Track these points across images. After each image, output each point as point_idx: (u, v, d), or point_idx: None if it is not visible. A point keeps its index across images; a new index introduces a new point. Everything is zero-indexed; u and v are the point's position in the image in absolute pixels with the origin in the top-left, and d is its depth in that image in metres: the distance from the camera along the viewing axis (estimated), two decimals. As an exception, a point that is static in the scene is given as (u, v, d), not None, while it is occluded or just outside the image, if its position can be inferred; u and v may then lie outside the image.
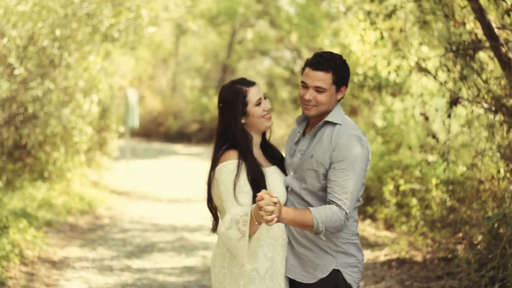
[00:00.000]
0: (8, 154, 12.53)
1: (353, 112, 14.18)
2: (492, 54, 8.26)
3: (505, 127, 8.18)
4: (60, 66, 12.57)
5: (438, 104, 10.77)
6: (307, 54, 27.08)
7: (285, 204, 4.51)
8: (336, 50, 14.10)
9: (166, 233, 12.00)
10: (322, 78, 4.39)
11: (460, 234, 9.34)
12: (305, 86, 4.45)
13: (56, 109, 12.58)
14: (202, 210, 13.47)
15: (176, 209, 14.81)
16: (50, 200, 12.49)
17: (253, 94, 4.54)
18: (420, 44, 9.73)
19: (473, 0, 7.79)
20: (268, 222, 3.99)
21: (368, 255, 9.98)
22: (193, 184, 18.10)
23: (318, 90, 4.40)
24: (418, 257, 9.42)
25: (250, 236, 4.18)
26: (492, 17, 7.97)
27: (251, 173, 4.42)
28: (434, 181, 10.29)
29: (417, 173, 11.31)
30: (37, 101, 12.09)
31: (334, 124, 4.45)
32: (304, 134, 4.63)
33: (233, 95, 4.54)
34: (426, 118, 10.09)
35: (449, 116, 9.03)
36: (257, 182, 4.41)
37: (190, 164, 23.63)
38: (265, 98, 4.59)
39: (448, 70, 8.88)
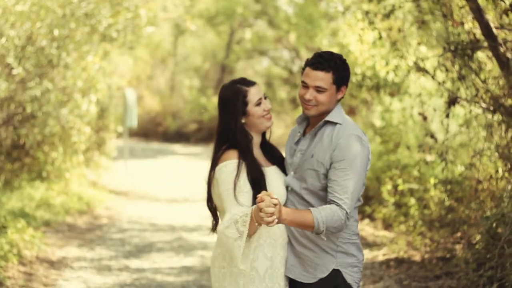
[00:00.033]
0: (6, 154, 12.52)
1: (351, 112, 14.18)
2: (490, 54, 8.27)
3: (503, 126, 8.19)
4: (58, 66, 12.56)
5: (437, 104, 10.77)
6: (306, 54, 27.08)
7: (285, 204, 4.51)
8: (335, 50, 14.08)
9: (165, 233, 12.00)
10: (322, 78, 4.39)
11: (459, 234, 9.34)
12: (305, 86, 4.45)
13: (54, 109, 12.57)
14: (200, 210, 13.48)
15: (174, 209, 14.81)
16: (49, 200, 12.48)
17: (253, 94, 4.54)
18: (419, 44, 9.73)
19: (472, 0, 7.79)
20: (268, 223, 3.99)
21: (367, 254, 9.98)
22: (191, 184, 18.09)
23: (318, 90, 4.40)
24: (417, 257, 9.42)
25: (249, 236, 4.18)
26: (491, 17, 7.97)
27: (251, 173, 4.42)
28: (432, 180, 10.30)
29: (415, 172, 11.31)
30: (36, 101, 12.08)
31: (335, 123, 4.45)
32: (304, 134, 4.63)
33: (233, 95, 4.53)
34: (425, 118, 10.09)
35: (447, 116, 9.03)
36: (257, 182, 4.41)
37: (189, 164, 23.63)
38: (265, 98, 4.59)
39: (447, 70, 8.88)
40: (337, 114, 4.48)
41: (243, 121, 4.54)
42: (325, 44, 20.79)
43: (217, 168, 4.47)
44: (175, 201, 15.99)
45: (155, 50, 33.37)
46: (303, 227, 4.24)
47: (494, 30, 7.85)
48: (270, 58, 32.00)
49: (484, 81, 8.37)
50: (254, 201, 4.31)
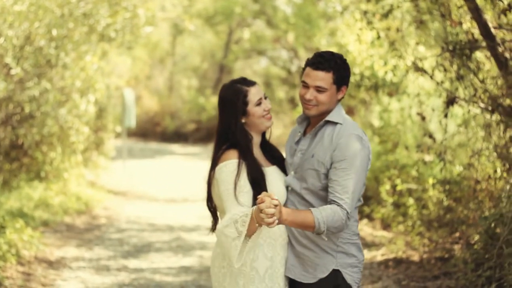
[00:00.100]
0: (4, 154, 12.51)
1: (349, 112, 14.18)
2: (488, 53, 8.27)
3: (501, 126, 8.19)
4: (56, 66, 12.55)
5: (435, 104, 10.78)
6: (304, 54, 27.09)
7: (286, 204, 4.51)
8: (333, 50, 14.09)
9: (163, 233, 11.99)
10: (323, 78, 4.39)
11: (457, 234, 9.34)
12: (305, 85, 4.45)
13: (52, 109, 12.56)
14: (199, 210, 13.49)
15: (173, 209, 14.80)
16: (47, 200, 12.48)
17: (253, 94, 4.54)
18: (417, 43, 9.73)
19: (470, 0, 7.79)
20: (269, 224, 3.99)
21: (365, 254, 9.98)
22: (190, 184, 18.09)
23: (319, 89, 4.40)
24: (415, 257, 9.42)
25: (249, 237, 4.17)
26: (489, 16, 7.98)
27: (251, 173, 4.41)
28: (430, 180, 10.30)
29: (414, 172, 11.32)
30: (34, 101, 12.07)
31: (335, 123, 4.45)
32: (304, 133, 4.63)
33: (233, 95, 4.53)
34: (423, 118, 10.09)
35: (445, 116, 9.04)
36: (257, 182, 4.41)
37: (187, 164, 23.62)
38: (265, 98, 4.59)
39: (445, 70, 8.88)
40: (338, 114, 4.48)
41: (243, 121, 4.54)
42: (324, 44, 20.80)
43: (217, 168, 4.47)
44: (173, 201, 15.98)
45: (154, 50, 33.35)
46: (303, 228, 4.24)
47: (493, 30, 7.86)
48: (268, 58, 31.99)
49: (482, 81, 8.37)
50: (254, 201, 4.31)
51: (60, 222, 11.96)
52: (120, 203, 15.31)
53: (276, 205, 3.99)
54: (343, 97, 4.54)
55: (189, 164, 23.33)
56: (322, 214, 4.18)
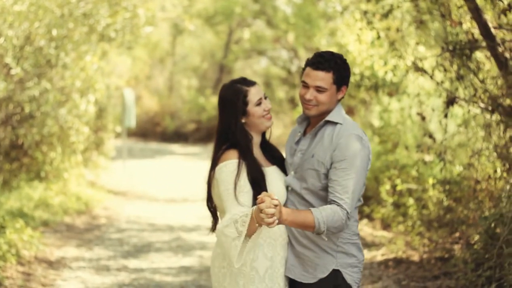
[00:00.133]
0: (4, 154, 12.51)
1: (349, 112, 14.18)
2: (488, 53, 8.27)
3: (501, 126, 8.19)
4: (56, 66, 12.55)
5: (435, 104, 10.78)
6: (304, 54, 27.09)
7: (286, 204, 4.51)
8: (333, 50, 14.10)
9: (163, 233, 11.99)
10: (323, 78, 4.40)
11: (457, 234, 9.34)
12: (305, 85, 4.45)
13: (52, 109, 12.56)
14: (199, 210, 13.49)
15: (173, 209, 14.80)
16: (47, 200, 12.48)
17: (253, 94, 4.54)
18: (417, 43, 9.73)
19: (470, 0, 7.79)
20: (269, 224, 3.99)
21: (365, 254, 9.97)
22: (190, 184, 18.09)
23: (319, 89, 4.40)
24: (415, 257, 9.42)
25: (249, 236, 4.17)
26: (489, 16, 7.98)
27: (251, 172, 4.41)
28: (430, 181, 10.30)
29: (413, 173, 11.32)
30: (34, 101, 12.07)
31: (335, 123, 4.45)
32: (304, 133, 4.63)
33: (233, 95, 4.53)
34: (423, 118, 10.09)
35: (445, 116, 9.04)
36: (257, 182, 4.41)
37: (187, 164, 23.62)
38: (265, 98, 4.59)
39: (445, 70, 8.88)
40: (338, 114, 4.48)
41: (243, 121, 4.54)
42: (324, 44, 20.79)
43: (217, 168, 4.47)
44: (173, 201, 15.98)
45: (154, 50, 33.35)
46: (304, 228, 4.24)
47: (493, 30, 7.86)
48: (268, 58, 31.99)
49: (482, 81, 8.37)
50: (254, 201, 4.31)
51: (60, 222, 11.96)
52: (120, 203, 15.31)
53: (276, 205, 3.99)
54: (343, 97, 4.54)
55: (189, 164, 23.33)
56: (322, 214, 4.18)
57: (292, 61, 29.95)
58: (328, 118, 4.46)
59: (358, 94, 13.95)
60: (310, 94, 4.42)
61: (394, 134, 12.48)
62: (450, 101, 8.88)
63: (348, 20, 12.93)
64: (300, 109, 18.49)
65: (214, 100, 30.18)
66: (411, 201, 10.78)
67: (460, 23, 8.35)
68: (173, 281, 8.87)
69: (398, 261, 9.41)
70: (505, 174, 8.15)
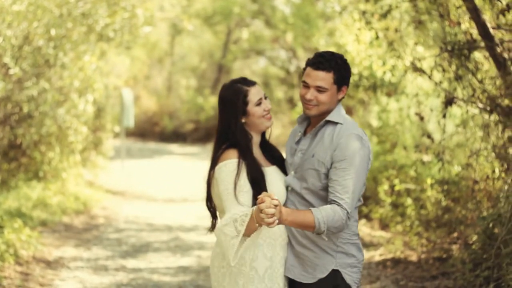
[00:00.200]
0: (3, 153, 12.51)
1: (348, 112, 14.18)
2: (487, 54, 8.28)
3: (500, 127, 8.19)
4: (55, 66, 12.55)
5: (433, 104, 10.78)
6: (303, 54, 27.09)
7: (286, 204, 4.51)
8: (332, 50, 14.10)
9: (161, 233, 11.99)
10: (323, 78, 4.40)
11: (455, 234, 9.34)
12: (306, 85, 4.46)
13: (51, 109, 12.56)
14: (197, 210, 13.50)
15: (171, 209, 14.80)
16: (45, 200, 12.47)
17: (253, 94, 4.54)
18: (415, 44, 9.74)
19: (468, 0, 7.79)
20: (269, 224, 3.99)
21: (363, 254, 9.97)
22: (188, 184, 18.09)
23: (319, 89, 4.41)
24: (413, 257, 9.42)
25: (247, 236, 4.17)
26: (487, 17, 7.98)
27: (251, 172, 4.42)
28: (429, 181, 10.30)
29: (412, 173, 11.32)
30: (32, 101, 12.07)
31: (335, 123, 4.45)
32: (305, 133, 4.63)
33: (233, 95, 4.53)
34: (421, 118, 10.09)
35: (444, 116, 9.04)
36: (257, 182, 4.41)
37: (185, 164, 23.62)
38: (265, 98, 4.59)
39: (443, 70, 8.88)
40: (338, 114, 4.49)
41: (243, 120, 4.54)
42: (322, 44, 20.80)
43: (217, 168, 4.47)
44: (172, 201, 15.98)
45: (152, 50, 33.35)
46: (304, 228, 4.24)
47: (491, 30, 7.86)
48: (267, 58, 31.99)
49: (481, 81, 8.38)
50: (254, 201, 4.31)
51: (58, 222, 11.95)
52: (119, 203, 15.30)
53: (276, 205, 3.99)
54: (343, 97, 4.55)
55: (188, 164, 23.33)
56: (322, 214, 4.18)
57: (291, 61, 29.95)
58: (328, 118, 4.46)
59: (357, 94, 13.96)
60: (311, 94, 4.42)
61: (393, 134, 12.48)
62: (449, 101, 8.88)
63: (347, 20, 12.94)
64: (298, 109, 18.52)
65: (212, 100, 30.19)
66: (409, 201, 10.79)
67: (459, 23, 8.36)
68: (171, 281, 8.87)
69: (396, 261, 9.41)
70: (503, 174, 8.16)
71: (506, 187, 7.67)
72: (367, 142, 4.41)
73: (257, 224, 4.09)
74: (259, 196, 4.01)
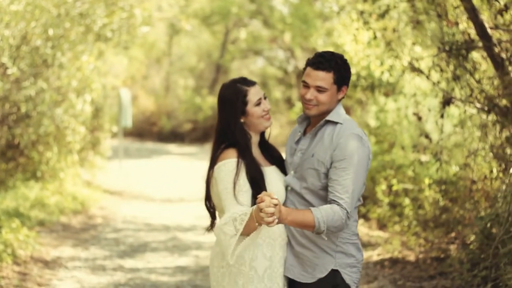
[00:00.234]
0: (0, 153, 12.51)
1: (346, 112, 14.13)
2: (485, 54, 8.28)
3: (497, 127, 8.20)
4: (53, 66, 12.55)
5: (431, 104, 10.79)
6: (301, 54, 27.10)
7: (285, 204, 4.50)
8: (330, 50, 14.09)
9: (159, 233, 11.99)
10: (323, 78, 4.40)
11: (453, 234, 9.35)
12: (306, 85, 4.45)
13: (49, 109, 12.55)
14: (195, 210, 13.50)
15: (169, 209, 14.80)
16: (43, 200, 12.47)
17: (253, 94, 4.54)
18: (413, 44, 9.74)
19: (466, 0, 7.80)
20: (268, 223, 3.99)
21: (361, 254, 9.97)
22: (186, 184, 18.09)
23: (319, 89, 4.41)
24: (411, 257, 9.43)
25: (247, 235, 4.17)
26: (485, 17, 7.99)
27: (250, 172, 4.41)
28: (427, 181, 10.31)
29: (410, 173, 11.33)
30: (30, 101, 12.06)
31: (335, 123, 4.45)
32: (305, 133, 4.63)
33: (233, 94, 4.53)
34: (419, 118, 10.10)
35: (442, 116, 9.05)
36: (256, 181, 4.40)
37: (183, 164, 23.62)
38: (265, 98, 4.59)
39: (441, 70, 8.89)
40: (338, 114, 4.49)
41: (242, 120, 4.54)
42: (320, 44, 20.81)
43: (216, 167, 4.47)
44: (169, 201, 15.98)
45: (150, 50, 33.32)
46: (303, 227, 4.24)
47: (489, 30, 7.87)
48: (265, 58, 32.00)
49: (478, 81, 8.38)
50: (253, 201, 4.31)
51: (56, 222, 11.95)
52: (116, 203, 15.30)
53: (275, 204, 3.99)
54: (343, 97, 4.55)
55: (186, 164, 23.33)
56: (322, 214, 4.18)
57: (289, 61, 29.96)
58: (328, 118, 4.46)
59: (355, 94, 13.96)
60: (311, 94, 4.42)
61: (391, 134, 12.49)
62: (447, 101, 8.88)
63: (345, 20, 12.93)
64: (296, 109, 18.52)
65: (210, 100, 30.19)
66: (407, 201, 10.79)
67: (457, 23, 8.36)
68: (169, 281, 8.86)
69: (394, 261, 9.41)
70: (501, 174, 8.16)
71: (504, 187, 7.67)
72: (367, 142, 4.41)
73: (256, 224, 4.09)
74: (259, 196, 4.01)
